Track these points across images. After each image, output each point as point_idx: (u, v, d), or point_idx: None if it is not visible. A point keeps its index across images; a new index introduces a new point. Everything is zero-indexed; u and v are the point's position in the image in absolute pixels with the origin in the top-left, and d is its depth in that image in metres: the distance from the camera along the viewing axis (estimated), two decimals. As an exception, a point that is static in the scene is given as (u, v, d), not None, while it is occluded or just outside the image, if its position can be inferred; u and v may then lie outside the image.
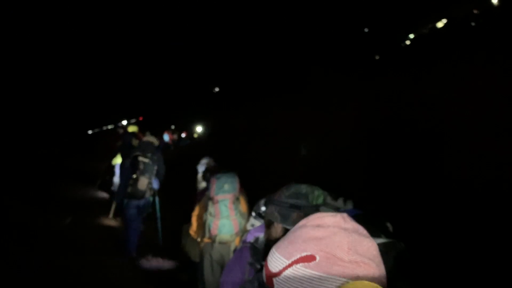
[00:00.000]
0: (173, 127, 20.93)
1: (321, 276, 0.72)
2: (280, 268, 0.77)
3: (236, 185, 3.62)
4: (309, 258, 0.74)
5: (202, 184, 5.36)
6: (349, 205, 2.14)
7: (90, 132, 21.90)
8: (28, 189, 7.72)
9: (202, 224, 3.75)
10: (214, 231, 3.56)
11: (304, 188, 2.00)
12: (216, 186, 3.56)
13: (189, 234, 4.16)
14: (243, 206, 3.70)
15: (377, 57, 23.24)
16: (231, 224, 3.59)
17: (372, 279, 0.72)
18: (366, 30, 32.16)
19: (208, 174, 4.64)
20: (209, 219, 3.59)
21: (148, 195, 5.83)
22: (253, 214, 2.74)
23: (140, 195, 5.71)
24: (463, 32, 18.23)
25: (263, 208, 2.42)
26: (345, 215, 0.84)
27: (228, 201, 3.56)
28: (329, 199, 2.10)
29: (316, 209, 2.00)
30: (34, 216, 5.99)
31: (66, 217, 6.48)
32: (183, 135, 22.48)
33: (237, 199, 3.64)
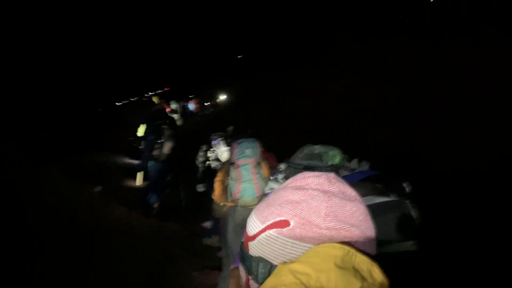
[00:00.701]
0: (191, 96, 21.04)
1: (294, 243, 0.68)
2: (255, 232, 0.73)
3: (258, 150, 3.65)
4: (283, 224, 0.69)
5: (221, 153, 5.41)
6: (364, 166, 2.10)
7: (118, 104, 22.25)
8: (61, 159, 8.04)
9: (224, 189, 3.84)
10: (236, 194, 3.62)
11: (317, 148, 1.99)
12: (237, 150, 3.61)
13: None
14: (265, 171, 3.74)
15: (400, 17, 22.33)
16: (253, 187, 3.62)
17: (353, 245, 0.67)
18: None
19: (230, 140, 4.69)
20: (231, 183, 3.65)
21: (170, 159, 6.25)
22: (271, 177, 2.77)
23: (163, 158, 6.16)
24: None
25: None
26: (332, 175, 0.76)
27: (249, 166, 3.60)
28: (344, 161, 2.04)
29: (332, 169, 1.93)
30: (65, 185, 6.27)
31: (96, 186, 6.76)
32: (207, 103, 22.61)
33: (259, 163, 3.66)
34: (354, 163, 2.07)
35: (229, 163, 3.75)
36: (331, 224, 0.67)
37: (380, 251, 0.74)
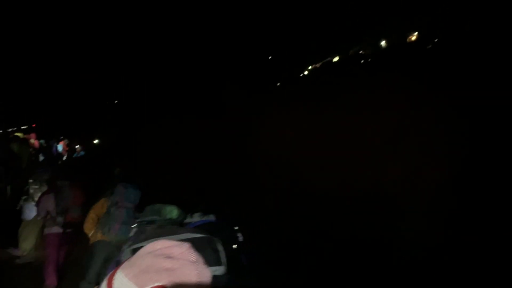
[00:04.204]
0: (61, 137, 19.99)
1: None
2: None
3: (138, 197, 4.18)
4: None
5: None
6: (197, 218, 2.61)
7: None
8: None
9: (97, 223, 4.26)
10: (113, 232, 3.97)
11: (157, 206, 2.51)
12: (125, 194, 4.10)
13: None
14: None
15: (278, 84, 24.66)
16: (128, 230, 3.91)
17: None
18: (270, 57, 34.00)
19: (116, 181, 4.95)
20: (110, 222, 4.02)
21: None
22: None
23: None
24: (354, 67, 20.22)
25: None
26: (188, 246, 0.89)
27: (131, 210, 4.06)
28: (181, 215, 2.59)
29: (170, 222, 2.42)
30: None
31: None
32: (77, 146, 21.45)
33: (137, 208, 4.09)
34: (196, 216, 2.57)
35: (113, 203, 4.13)
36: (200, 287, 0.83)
37: None
